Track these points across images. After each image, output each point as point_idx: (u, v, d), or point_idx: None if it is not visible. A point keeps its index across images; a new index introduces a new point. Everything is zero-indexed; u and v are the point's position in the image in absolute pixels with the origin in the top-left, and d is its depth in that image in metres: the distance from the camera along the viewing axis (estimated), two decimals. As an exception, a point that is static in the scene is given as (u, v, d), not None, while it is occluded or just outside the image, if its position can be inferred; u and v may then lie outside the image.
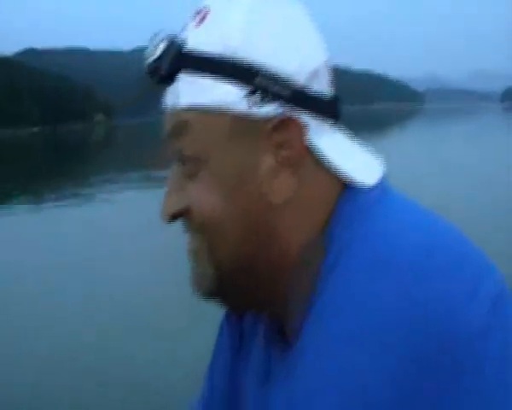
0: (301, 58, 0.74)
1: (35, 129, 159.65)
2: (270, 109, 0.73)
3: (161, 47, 0.75)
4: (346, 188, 0.75)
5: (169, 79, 0.75)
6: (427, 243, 0.67)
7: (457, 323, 0.62)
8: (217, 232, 0.74)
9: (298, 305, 0.75)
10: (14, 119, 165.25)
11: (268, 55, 0.73)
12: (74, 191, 20.55)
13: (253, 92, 0.72)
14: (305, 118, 0.74)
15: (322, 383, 0.64)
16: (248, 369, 0.89)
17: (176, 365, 5.74)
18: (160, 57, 0.75)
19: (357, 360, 0.62)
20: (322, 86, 0.76)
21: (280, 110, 0.73)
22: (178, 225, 0.77)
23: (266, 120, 0.73)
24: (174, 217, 0.77)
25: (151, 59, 0.76)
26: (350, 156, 0.76)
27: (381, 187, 0.75)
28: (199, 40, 0.74)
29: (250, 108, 0.73)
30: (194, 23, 0.76)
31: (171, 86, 0.76)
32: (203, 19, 0.75)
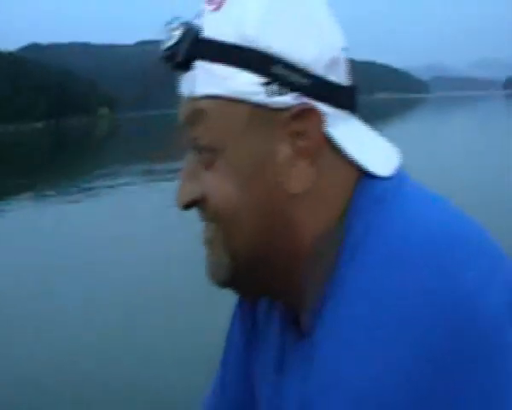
0: (320, 47, 0.73)
1: (39, 124, 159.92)
2: (288, 98, 0.72)
3: (178, 33, 0.75)
4: (362, 178, 0.74)
5: (185, 65, 0.75)
6: (443, 235, 0.67)
7: (474, 320, 0.62)
8: (232, 222, 0.74)
9: (312, 295, 0.75)
10: (18, 114, 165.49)
11: (286, 43, 0.72)
12: (76, 188, 20.33)
13: (270, 81, 0.72)
14: (323, 107, 0.73)
15: (337, 380, 0.64)
16: (262, 357, 0.89)
17: (177, 365, 5.65)
18: (176, 43, 0.74)
19: (372, 358, 0.62)
20: (340, 75, 0.75)
21: (298, 99, 0.72)
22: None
23: (284, 109, 0.72)
24: (189, 205, 0.77)
25: (167, 45, 0.75)
26: (367, 146, 0.76)
27: (399, 177, 0.75)
28: (216, 27, 0.74)
29: (268, 97, 0.72)
30: (210, 9, 0.75)
31: (187, 73, 0.75)
32: (220, 5, 0.75)
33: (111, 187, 19.55)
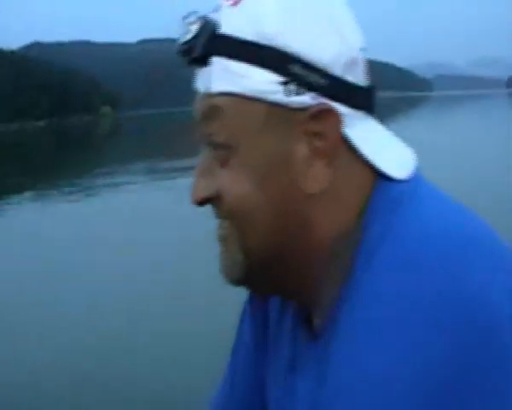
0: (339, 47, 0.73)
1: (41, 123, 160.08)
2: (305, 98, 0.71)
3: (194, 27, 0.74)
4: (379, 180, 0.74)
5: (201, 61, 0.74)
6: (460, 239, 0.67)
7: (490, 323, 0.62)
8: (247, 220, 0.74)
9: (326, 297, 0.75)
10: (21, 112, 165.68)
11: (305, 42, 0.71)
12: (77, 188, 20.24)
13: (288, 81, 0.71)
14: (341, 108, 0.72)
15: (356, 383, 0.64)
16: (272, 356, 0.89)
17: (177, 367, 5.56)
18: (193, 38, 0.74)
19: (392, 362, 0.62)
20: (358, 75, 0.75)
21: (316, 100, 0.72)
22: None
23: (302, 109, 0.72)
24: (203, 202, 0.77)
25: (184, 39, 0.75)
26: (384, 148, 0.75)
27: (415, 179, 0.74)
28: (233, 23, 0.73)
29: (286, 96, 0.71)
30: (228, 4, 0.74)
31: (203, 69, 0.74)
32: (238, 0, 0.74)
33: (112, 185, 19.45)
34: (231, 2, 0.74)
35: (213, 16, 0.74)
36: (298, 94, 0.71)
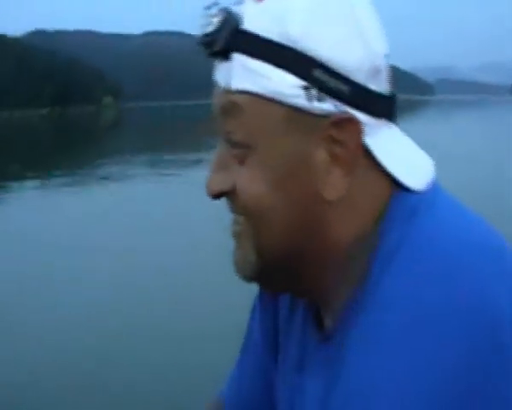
0: (363, 54, 0.72)
1: (43, 111, 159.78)
2: (327, 106, 0.71)
3: (217, 20, 0.72)
4: (397, 189, 0.74)
5: (222, 55, 0.73)
6: (477, 249, 0.68)
7: (508, 328, 0.63)
8: (262, 220, 0.74)
9: (340, 299, 0.75)
10: (24, 100, 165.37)
11: (329, 47, 0.70)
12: (74, 178, 20.13)
13: (311, 86, 0.70)
14: (362, 116, 0.72)
15: (372, 387, 0.63)
16: (282, 355, 0.89)
17: (177, 368, 5.53)
18: (214, 31, 0.72)
19: (409, 367, 0.62)
20: (381, 84, 0.74)
21: (338, 107, 0.71)
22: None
23: (323, 116, 0.71)
24: (219, 195, 0.77)
25: (205, 31, 0.73)
26: (403, 158, 0.75)
27: (433, 189, 0.74)
28: (257, 20, 0.72)
29: (307, 101, 0.70)
30: None
31: (224, 63, 0.73)
32: None
33: (112, 176, 19.36)
34: None
35: (236, 9, 0.73)
36: (320, 100, 0.70)
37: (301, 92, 0.70)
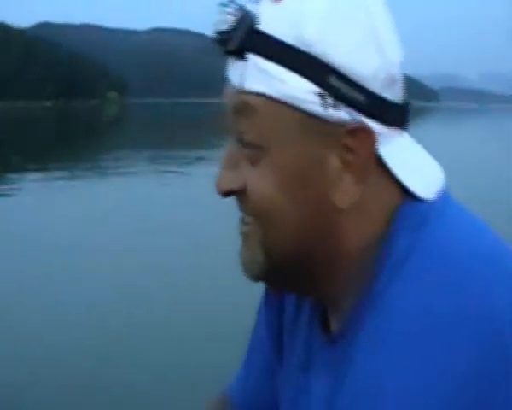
0: (379, 62, 0.71)
1: (48, 103, 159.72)
2: (342, 114, 0.71)
3: (233, 18, 0.72)
4: (407, 197, 0.74)
5: (237, 54, 0.72)
6: (483, 257, 0.68)
7: None
8: (271, 223, 0.74)
9: (347, 302, 0.75)
10: (28, 91, 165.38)
11: (345, 55, 0.70)
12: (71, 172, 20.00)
13: (326, 92, 0.70)
14: (376, 126, 0.72)
15: (380, 390, 0.63)
16: (287, 354, 0.89)
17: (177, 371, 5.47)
18: (230, 30, 0.72)
19: (417, 372, 0.61)
20: (396, 92, 0.74)
21: (352, 116, 0.71)
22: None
23: (337, 123, 0.71)
24: (228, 194, 0.76)
25: (220, 28, 0.72)
26: (414, 167, 0.75)
27: (443, 197, 0.74)
28: (273, 21, 0.71)
29: (322, 108, 0.70)
30: None
31: (239, 62, 0.73)
32: None
33: (112, 171, 19.20)
34: None
35: (253, 9, 0.72)
36: (334, 108, 0.70)
37: (316, 99, 0.70)
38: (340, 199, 0.72)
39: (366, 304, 0.71)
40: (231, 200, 0.77)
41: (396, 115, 0.74)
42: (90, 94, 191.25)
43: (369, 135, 0.71)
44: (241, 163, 0.75)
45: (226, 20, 0.72)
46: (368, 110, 0.71)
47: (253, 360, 0.99)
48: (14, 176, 18.63)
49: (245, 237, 0.78)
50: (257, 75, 0.71)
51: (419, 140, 0.79)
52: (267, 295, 0.95)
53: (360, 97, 0.70)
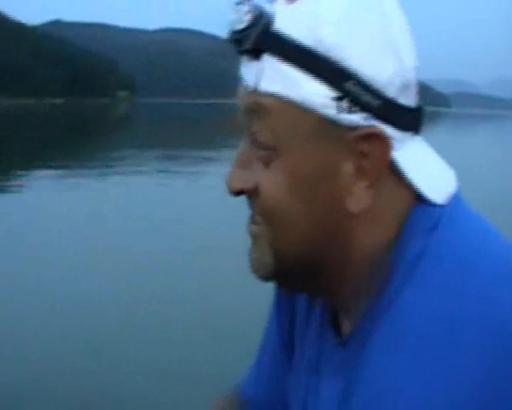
0: (395, 68, 0.71)
1: (57, 100, 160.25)
2: (357, 119, 0.70)
3: (248, 17, 0.71)
4: (419, 201, 0.74)
5: (252, 54, 0.72)
6: (494, 261, 0.68)
7: None
8: (282, 225, 0.74)
9: (359, 305, 0.76)
10: (38, 88, 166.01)
11: (362, 60, 0.70)
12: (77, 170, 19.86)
13: (342, 97, 0.69)
14: (390, 131, 0.71)
15: (394, 392, 0.63)
16: (298, 355, 0.90)
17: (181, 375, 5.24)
18: (245, 29, 0.71)
19: (429, 375, 0.62)
20: (410, 97, 0.74)
21: (367, 121, 0.70)
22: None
23: (351, 127, 0.70)
24: (239, 193, 0.76)
25: (236, 27, 0.72)
26: (427, 172, 0.75)
27: (455, 202, 0.75)
28: (289, 22, 0.70)
29: (337, 112, 0.70)
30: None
31: (253, 62, 0.72)
32: None
33: (118, 170, 19.07)
34: None
35: (268, 8, 0.71)
36: (350, 112, 0.70)
37: (332, 103, 0.69)
38: (352, 204, 0.72)
39: (379, 307, 0.71)
40: (240, 200, 0.77)
41: (410, 120, 0.74)
42: (100, 92, 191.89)
43: (384, 141, 0.70)
44: (253, 163, 0.74)
45: (242, 19, 0.71)
46: (383, 115, 0.71)
47: (264, 360, 1.00)
48: (19, 173, 18.51)
49: (254, 236, 0.77)
50: (272, 76, 0.70)
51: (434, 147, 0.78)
52: (278, 295, 0.95)
53: (376, 103, 0.70)
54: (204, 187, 14.86)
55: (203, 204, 12.66)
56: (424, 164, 0.75)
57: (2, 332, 6.03)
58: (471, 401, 0.61)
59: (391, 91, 0.71)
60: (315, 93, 0.69)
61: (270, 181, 0.73)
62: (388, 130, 0.71)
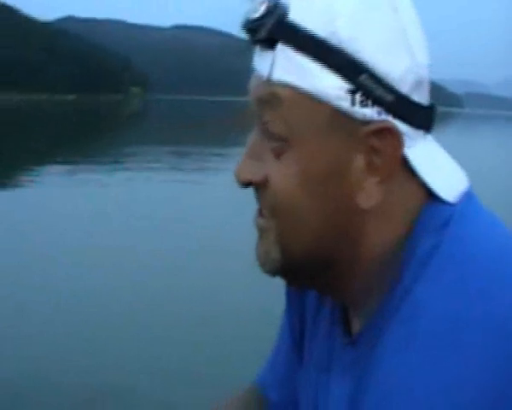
0: (409, 64, 0.71)
1: (70, 97, 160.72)
2: (370, 112, 0.70)
3: (263, 7, 0.71)
4: (431, 198, 0.74)
5: (267, 43, 0.71)
6: (504, 260, 0.68)
7: None
8: (290, 219, 0.73)
9: (369, 303, 0.75)
10: (51, 84, 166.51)
11: (377, 54, 0.69)
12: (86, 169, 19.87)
13: (356, 90, 0.69)
14: (402, 127, 0.71)
15: (406, 391, 0.63)
16: (308, 354, 0.90)
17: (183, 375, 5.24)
18: (260, 18, 0.71)
19: (441, 375, 0.62)
20: (423, 95, 0.74)
21: (380, 116, 0.70)
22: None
23: (365, 122, 0.70)
24: (248, 184, 0.75)
25: (250, 17, 0.72)
26: (438, 169, 0.75)
27: (466, 200, 0.74)
28: (304, 13, 0.70)
29: (351, 105, 0.70)
30: None
31: (267, 52, 0.72)
32: None
33: (129, 166, 19.05)
34: None
35: None
36: (363, 106, 0.70)
37: (346, 96, 0.69)
38: (363, 200, 0.71)
39: (390, 304, 0.71)
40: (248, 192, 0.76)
41: (423, 117, 0.74)
42: (113, 88, 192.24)
43: (396, 136, 0.70)
44: (264, 155, 0.73)
45: (257, 9, 0.71)
46: (396, 111, 0.71)
47: (278, 360, 1.01)
48: (30, 168, 18.53)
49: (261, 230, 0.76)
50: (286, 66, 0.70)
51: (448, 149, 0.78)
52: (288, 295, 0.95)
53: (389, 98, 0.70)
54: (217, 185, 14.76)
55: (218, 202, 12.58)
56: (436, 162, 0.75)
57: (7, 328, 6.01)
58: (481, 400, 0.60)
59: (404, 87, 0.70)
60: (329, 85, 0.69)
61: (281, 173, 0.72)
62: (401, 126, 0.71)
